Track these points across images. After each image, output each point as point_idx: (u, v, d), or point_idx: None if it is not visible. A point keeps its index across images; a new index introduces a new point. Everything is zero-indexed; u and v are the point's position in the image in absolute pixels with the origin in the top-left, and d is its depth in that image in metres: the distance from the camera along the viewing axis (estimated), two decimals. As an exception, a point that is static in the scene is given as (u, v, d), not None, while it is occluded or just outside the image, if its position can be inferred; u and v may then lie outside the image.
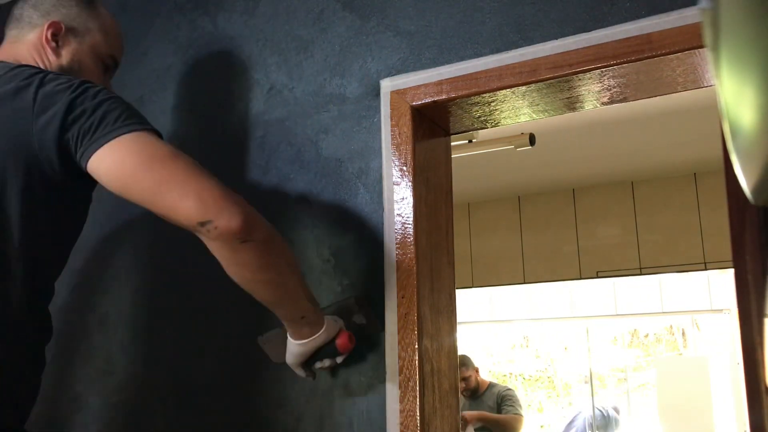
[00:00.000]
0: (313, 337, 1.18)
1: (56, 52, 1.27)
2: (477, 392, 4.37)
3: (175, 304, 1.57)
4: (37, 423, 1.46)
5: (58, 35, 1.27)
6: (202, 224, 1.00)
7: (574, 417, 6.63)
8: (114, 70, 1.38)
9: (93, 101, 1.07)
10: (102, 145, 1.04)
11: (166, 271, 1.60)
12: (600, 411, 6.65)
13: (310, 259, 1.42)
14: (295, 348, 1.20)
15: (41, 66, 1.23)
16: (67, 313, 1.67)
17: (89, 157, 1.05)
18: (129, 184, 1.03)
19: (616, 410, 6.82)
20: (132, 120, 1.07)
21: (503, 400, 4.32)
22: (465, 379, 4.34)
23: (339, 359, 1.24)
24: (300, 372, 1.26)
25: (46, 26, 1.26)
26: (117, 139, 1.04)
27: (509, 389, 4.53)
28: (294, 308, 1.15)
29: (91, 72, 1.29)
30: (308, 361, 1.23)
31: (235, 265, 1.06)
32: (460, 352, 4.70)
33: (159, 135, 1.10)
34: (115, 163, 1.04)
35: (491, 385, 4.50)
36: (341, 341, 1.20)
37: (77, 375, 1.63)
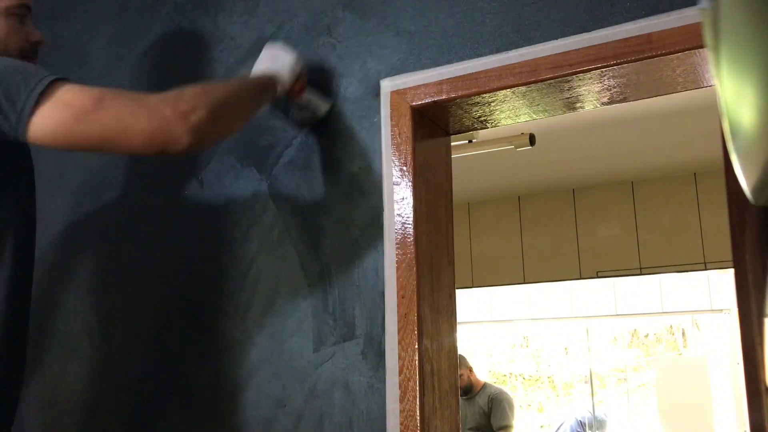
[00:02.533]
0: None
1: None
2: (470, 392, 4.36)
3: (174, 304, 1.57)
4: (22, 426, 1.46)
5: None
6: (159, 152, 1.06)
7: (560, 424, 6.64)
8: (30, 13, 1.30)
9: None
10: (32, 111, 1.04)
11: (166, 271, 1.60)
12: (589, 415, 6.65)
13: (311, 259, 1.42)
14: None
15: None
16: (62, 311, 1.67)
17: (26, 127, 1.04)
18: (76, 135, 1.05)
19: (604, 415, 6.81)
20: (38, 75, 1.06)
21: (493, 404, 4.30)
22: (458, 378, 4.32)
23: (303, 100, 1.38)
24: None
25: None
26: (42, 99, 1.04)
27: (501, 392, 4.48)
28: (260, 102, 1.29)
29: (7, 34, 1.23)
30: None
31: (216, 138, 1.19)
32: (466, 358, 4.68)
33: (64, 78, 1.10)
34: (55, 122, 1.04)
35: (485, 386, 4.48)
36: (296, 89, 1.37)
37: (76, 375, 1.63)
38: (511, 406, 4.38)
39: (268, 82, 1.29)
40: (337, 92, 1.45)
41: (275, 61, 1.34)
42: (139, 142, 1.05)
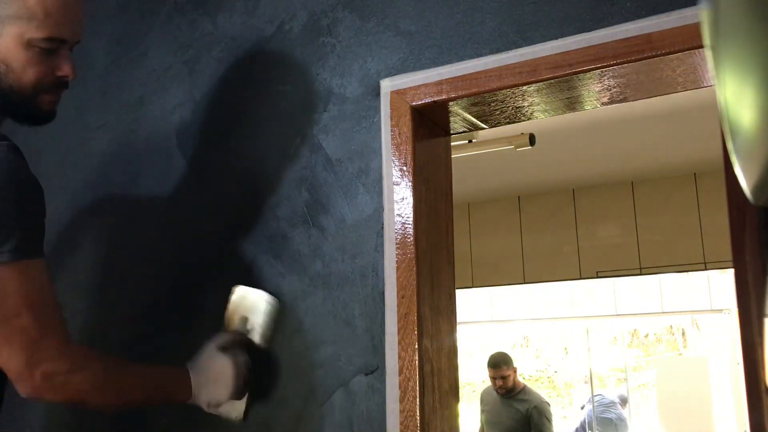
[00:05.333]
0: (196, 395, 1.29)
1: None
2: (512, 392, 4.38)
3: (175, 303, 1.57)
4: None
5: None
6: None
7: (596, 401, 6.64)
8: (70, 46, 1.23)
9: None
10: None
11: (166, 270, 1.60)
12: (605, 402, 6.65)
13: (311, 258, 1.42)
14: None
15: None
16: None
17: None
18: None
19: (623, 400, 6.82)
20: (4, 246, 1.07)
21: (535, 415, 4.28)
22: (504, 378, 4.34)
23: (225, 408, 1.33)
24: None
25: None
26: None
27: (543, 402, 4.46)
28: (161, 398, 1.29)
29: (23, 66, 1.17)
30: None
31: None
32: (466, 356, 4.69)
33: (33, 252, 1.11)
34: None
35: (525, 390, 4.48)
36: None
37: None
38: (550, 417, 4.41)
39: (179, 390, 1.28)
40: (337, 92, 1.45)
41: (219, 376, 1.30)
42: (5, 368, 1.10)
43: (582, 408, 6.74)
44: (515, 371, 4.45)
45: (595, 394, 6.78)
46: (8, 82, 1.18)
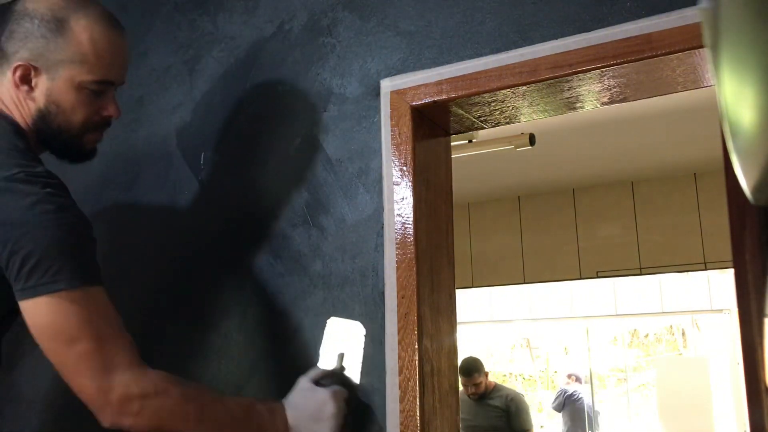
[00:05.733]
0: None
1: (29, 95, 1.19)
2: (483, 395, 4.41)
3: (174, 303, 1.57)
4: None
5: (28, 76, 1.18)
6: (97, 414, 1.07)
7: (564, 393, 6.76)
8: (115, 86, 1.27)
9: (32, 241, 1.05)
10: (26, 297, 1.05)
11: (166, 270, 1.60)
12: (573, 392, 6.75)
13: (311, 258, 1.42)
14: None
15: (16, 115, 1.19)
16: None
17: (19, 301, 1.06)
18: (44, 347, 1.08)
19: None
20: (61, 275, 1.05)
21: (513, 407, 4.36)
22: (476, 385, 4.38)
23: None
24: None
25: (13, 68, 1.18)
26: (37, 298, 1.05)
27: (518, 394, 4.59)
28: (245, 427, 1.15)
29: (73, 107, 1.21)
30: None
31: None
32: (468, 355, 4.77)
33: (90, 279, 1.09)
34: (33, 323, 1.06)
35: (497, 387, 4.53)
36: None
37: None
38: (528, 409, 4.49)
39: (273, 426, 1.17)
40: (337, 92, 1.45)
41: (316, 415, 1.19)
42: (82, 398, 1.08)
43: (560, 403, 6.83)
44: (487, 375, 4.49)
45: (565, 391, 6.84)
46: (58, 122, 1.22)
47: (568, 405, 6.69)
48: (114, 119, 1.29)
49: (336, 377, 1.27)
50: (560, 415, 6.83)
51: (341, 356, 1.31)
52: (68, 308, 1.05)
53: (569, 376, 7.16)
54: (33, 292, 1.05)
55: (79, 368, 1.06)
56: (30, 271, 1.04)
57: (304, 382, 1.24)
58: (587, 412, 6.68)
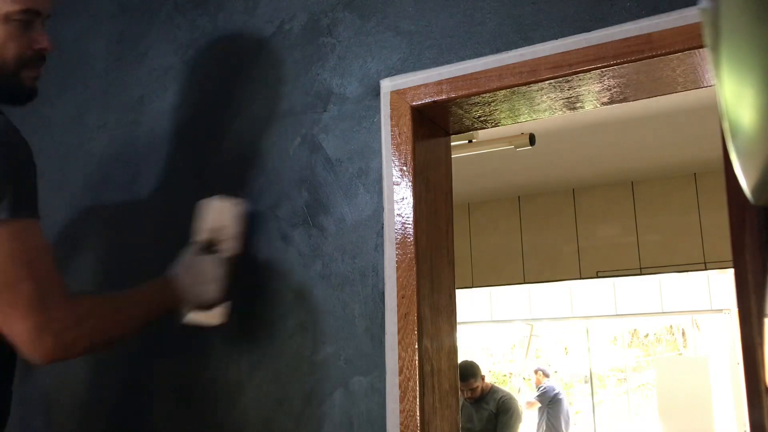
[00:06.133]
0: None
1: None
2: (480, 398, 4.42)
3: (175, 304, 1.57)
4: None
5: None
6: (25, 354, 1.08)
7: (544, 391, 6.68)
8: (42, 17, 1.25)
9: None
10: None
11: (163, 272, 1.60)
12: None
13: (311, 258, 1.42)
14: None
15: None
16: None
17: None
18: None
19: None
20: (11, 202, 1.06)
21: (501, 411, 4.37)
22: (473, 390, 4.38)
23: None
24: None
25: None
26: None
27: (511, 398, 4.56)
28: (157, 312, 1.28)
29: (3, 41, 1.19)
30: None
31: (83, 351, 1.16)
32: (465, 358, 4.78)
33: (30, 212, 1.09)
34: None
35: (493, 389, 4.53)
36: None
37: (77, 375, 1.63)
38: (516, 413, 4.45)
39: (169, 298, 1.29)
40: (337, 92, 1.45)
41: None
42: (15, 339, 1.07)
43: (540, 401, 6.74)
44: (483, 379, 4.48)
45: (552, 388, 6.76)
46: None
47: (554, 404, 6.52)
48: (47, 53, 1.28)
49: (215, 244, 1.37)
50: (535, 410, 6.62)
51: (215, 230, 1.38)
52: (5, 241, 1.06)
53: (537, 372, 6.92)
54: None
55: (14, 307, 1.06)
56: None
57: (185, 256, 1.34)
58: (568, 413, 6.55)
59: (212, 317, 1.36)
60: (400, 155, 1.34)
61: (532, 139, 3.03)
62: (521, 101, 1.32)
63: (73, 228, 1.74)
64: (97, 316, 1.15)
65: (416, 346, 1.25)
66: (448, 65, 1.32)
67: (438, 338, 1.33)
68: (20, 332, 1.06)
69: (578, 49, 1.20)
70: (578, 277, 4.75)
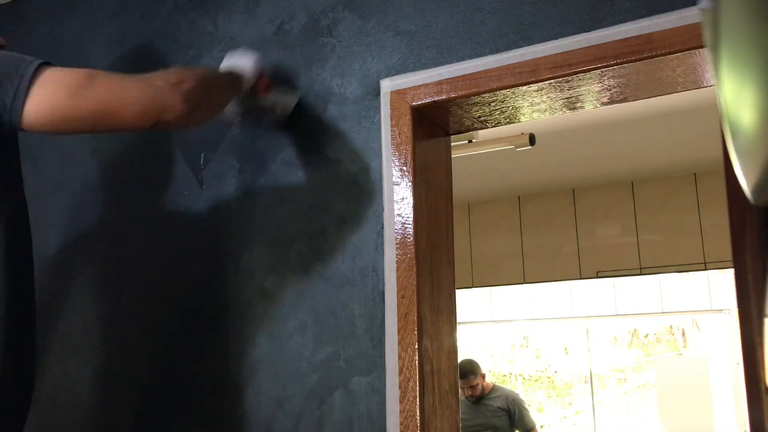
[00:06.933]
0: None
1: None
2: (481, 397, 4.42)
3: (174, 304, 1.57)
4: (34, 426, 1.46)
5: None
6: (155, 124, 1.08)
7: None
8: None
9: None
10: (26, 94, 1.04)
11: (166, 270, 1.60)
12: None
13: (311, 258, 1.42)
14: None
15: None
16: (66, 312, 1.67)
17: (21, 112, 1.05)
18: (70, 111, 1.06)
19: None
20: (27, 60, 1.07)
21: (514, 407, 4.40)
22: (473, 387, 4.38)
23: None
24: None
25: None
26: (34, 82, 1.05)
27: (517, 394, 4.60)
28: (231, 92, 1.32)
29: None
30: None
31: (204, 112, 1.20)
32: (465, 357, 4.80)
33: (50, 63, 1.11)
34: (49, 101, 1.05)
35: (495, 388, 4.54)
36: (260, 87, 1.38)
37: (76, 375, 1.63)
38: (528, 408, 4.54)
39: (234, 77, 1.33)
40: (337, 92, 1.45)
41: (236, 64, 1.37)
42: (134, 112, 1.07)
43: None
44: (484, 377, 4.48)
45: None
46: None
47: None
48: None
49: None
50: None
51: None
52: (60, 70, 1.07)
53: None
54: (24, 88, 1.05)
55: (114, 87, 1.07)
56: (6, 80, 1.05)
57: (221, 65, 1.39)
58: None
59: (291, 98, 1.43)
60: (400, 155, 1.34)
61: (532, 139, 3.03)
62: (521, 101, 1.32)
63: (73, 228, 1.74)
64: (203, 76, 1.20)
65: (416, 346, 1.25)
66: (448, 65, 1.32)
67: (438, 338, 1.33)
68: (149, 97, 1.07)
69: (578, 49, 1.20)
70: (578, 277, 4.74)
